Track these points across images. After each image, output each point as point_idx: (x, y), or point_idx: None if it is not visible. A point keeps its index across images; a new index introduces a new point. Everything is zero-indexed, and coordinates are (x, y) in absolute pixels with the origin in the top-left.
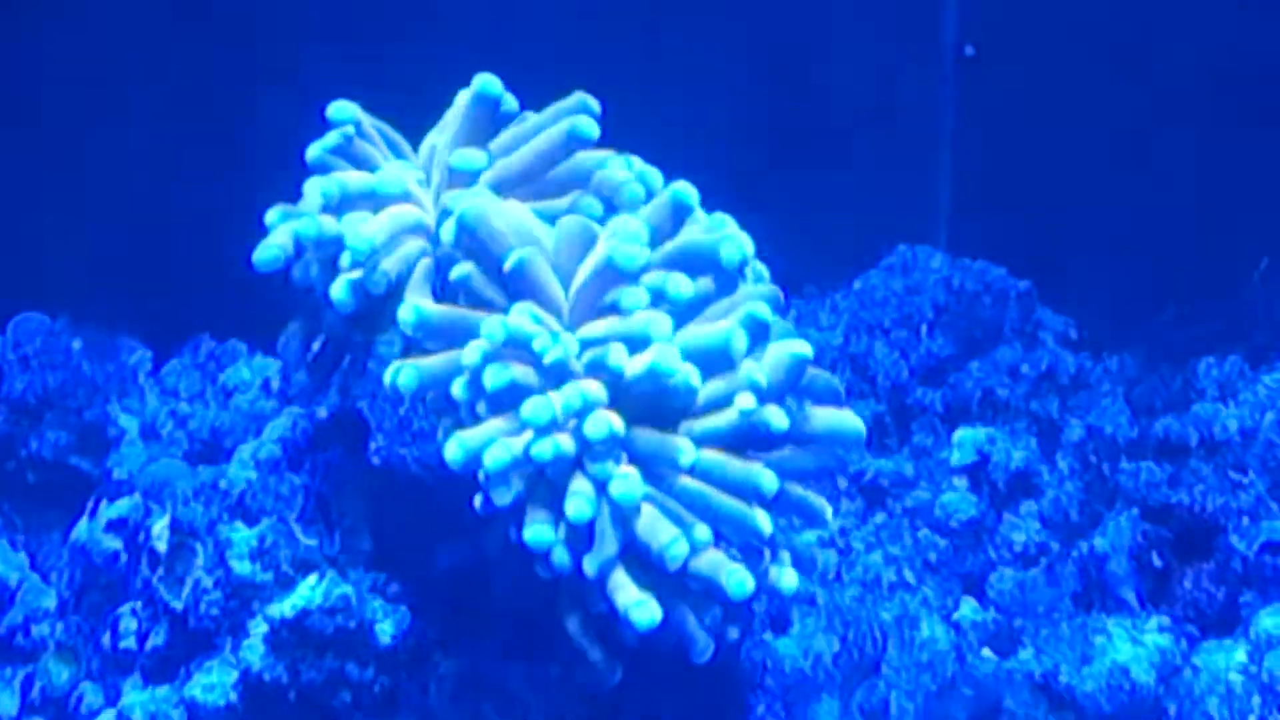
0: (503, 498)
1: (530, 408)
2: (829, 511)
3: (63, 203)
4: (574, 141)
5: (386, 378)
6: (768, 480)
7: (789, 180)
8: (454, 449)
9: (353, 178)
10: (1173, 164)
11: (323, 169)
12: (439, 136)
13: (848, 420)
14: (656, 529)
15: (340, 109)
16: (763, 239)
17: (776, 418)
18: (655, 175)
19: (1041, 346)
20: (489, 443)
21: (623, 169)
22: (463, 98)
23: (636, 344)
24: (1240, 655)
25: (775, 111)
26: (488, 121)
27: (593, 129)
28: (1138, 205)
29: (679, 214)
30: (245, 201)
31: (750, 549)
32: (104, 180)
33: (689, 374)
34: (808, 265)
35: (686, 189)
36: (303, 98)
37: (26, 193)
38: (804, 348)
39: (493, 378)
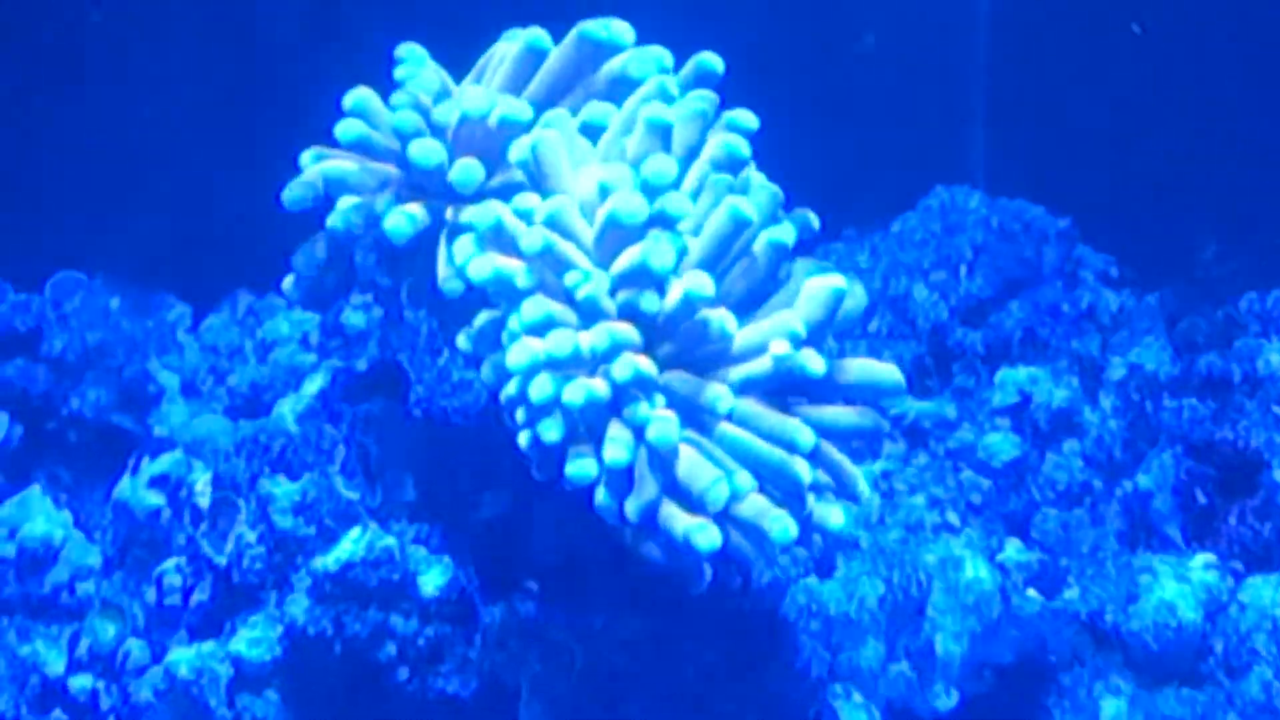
0: (551, 435)
1: (554, 342)
2: (862, 485)
3: (99, 162)
4: (585, 45)
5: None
6: (804, 437)
7: (825, 123)
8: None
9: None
10: (1212, 98)
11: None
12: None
13: (886, 371)
14: (697, 472)
15: (410, 51)
16: (800, 183)
17: (813, 362)
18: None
19: (1082, 285)
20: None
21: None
22: (503, 49)
23: (655, 280)
24: None
25: (810, 52)
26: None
27: (599, 29)
28: (1176, 140)
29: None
30: (282, 155)
31: (791, 493)
32: (140, 137)
33: (724, 319)
34: (846, 209)
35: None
36: (343, 47)
37: (63, 154)
38: (839, 281)
39: (531, 311)
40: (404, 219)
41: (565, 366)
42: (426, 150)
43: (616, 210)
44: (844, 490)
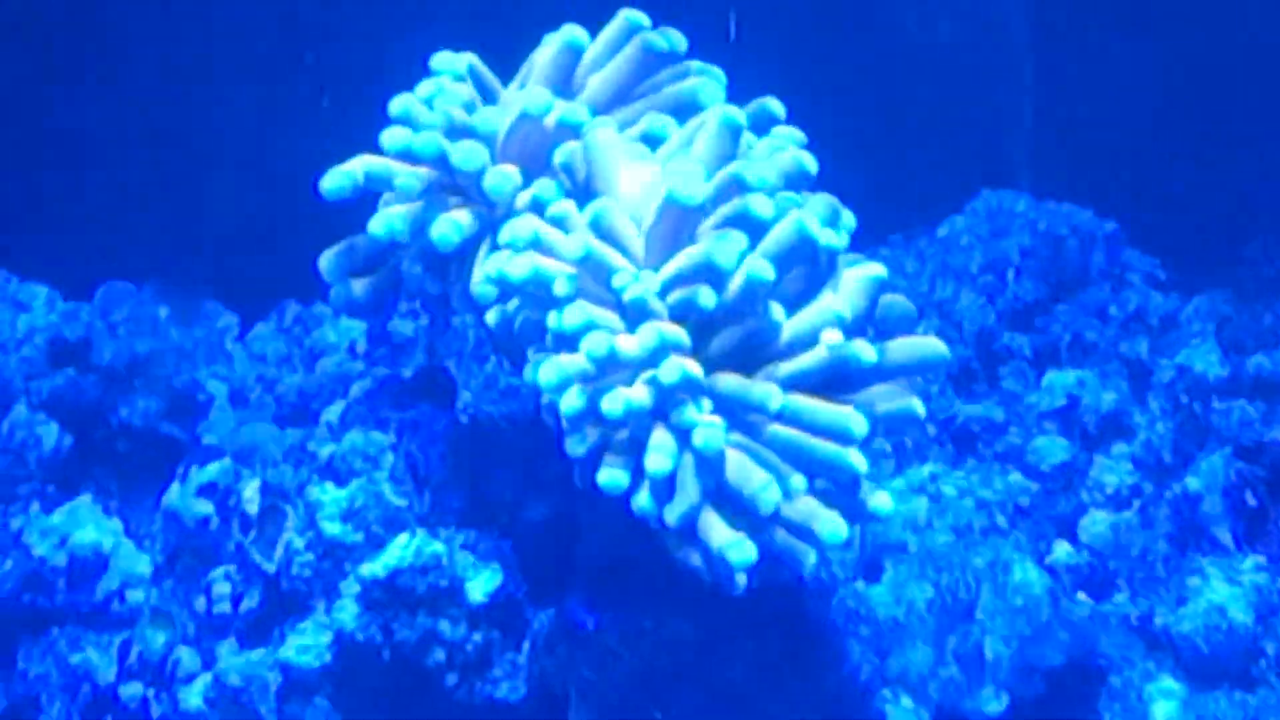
0: (577, 448)
1: (590, 343)
2: (919, 407)
3: (146, 170)
4: (643, 53)
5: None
6: (858, 425)
7: (871, 127)
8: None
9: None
10: (1259, 98)
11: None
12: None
13: (930, 345)
14: (748, 474)
15: (445, 61)
16: (846, 187)
17: (865, 351)
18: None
19: (1129, 288)
20: (566, 383)
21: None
22: (543, 54)
23: (717, 276)
24: None
25: (855, 57)
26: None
27: (658, 40)
28: (1223, 141)
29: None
30: (332, 164)
31: (845, 486)
32: (187, 147)
33: (776, 309)
34: (892, 213)
35: (733, 112)
36: (389, 55)
37: (109, 161)
38: (879, 270)
39: (572, 316)
40: (450, 226)
41: (604, 376)
42: (469, 154)
43: (674, 192)
44: (907, 424)
